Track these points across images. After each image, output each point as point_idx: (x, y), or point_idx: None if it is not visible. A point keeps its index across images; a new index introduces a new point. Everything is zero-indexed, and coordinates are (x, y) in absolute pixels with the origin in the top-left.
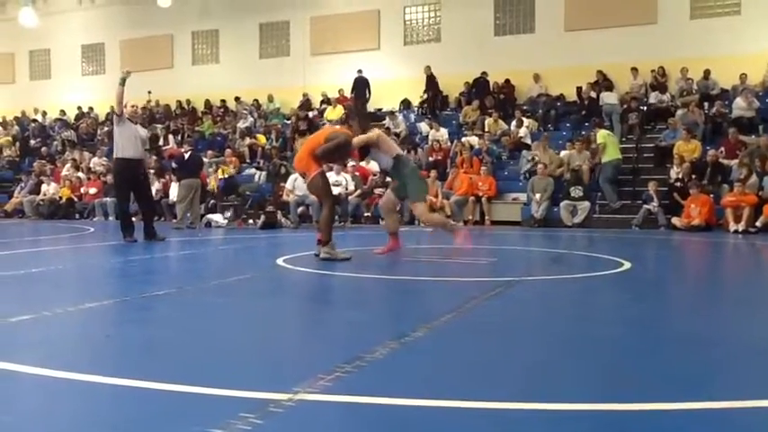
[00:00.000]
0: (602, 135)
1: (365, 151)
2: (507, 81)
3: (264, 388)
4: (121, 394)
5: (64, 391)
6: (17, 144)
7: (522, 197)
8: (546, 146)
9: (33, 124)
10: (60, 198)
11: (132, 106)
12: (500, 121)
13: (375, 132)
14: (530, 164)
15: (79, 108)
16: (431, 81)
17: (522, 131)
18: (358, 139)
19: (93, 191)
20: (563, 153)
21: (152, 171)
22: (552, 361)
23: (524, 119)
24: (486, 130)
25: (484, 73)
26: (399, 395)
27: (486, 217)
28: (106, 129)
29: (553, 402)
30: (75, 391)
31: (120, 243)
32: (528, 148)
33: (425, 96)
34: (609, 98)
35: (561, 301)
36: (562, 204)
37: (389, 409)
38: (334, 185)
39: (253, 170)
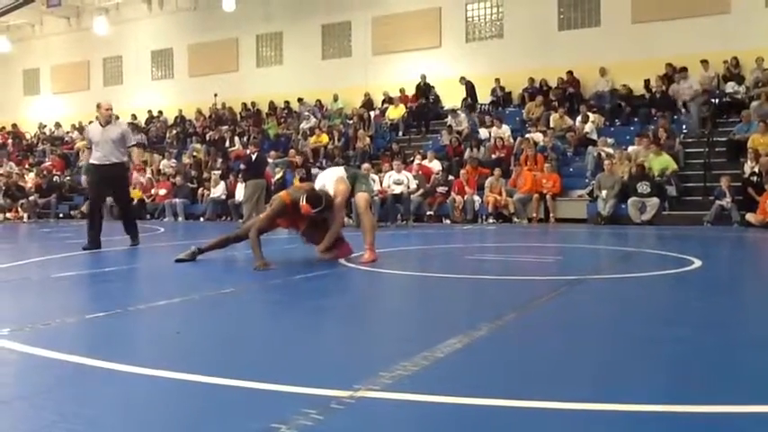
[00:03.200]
0: (660, 162)
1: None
2: (572, 75)
3: (326, 385)
4: (189, 389)
5: (136, 386)
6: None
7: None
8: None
9: None
10: (132, 199)
11: (107, 109)
12: (565, 117)
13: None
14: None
15: (149, 112)
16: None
17: (588, 127)
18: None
19: (162, 192)
20: (630, 149)
21: (216, 172)
22: (619, 361)
23: (590, 114)
24: (551, 126)
25: (543, 81)
26: (461, 394)
27: (551, 215)
28: (175, 132)
29: (620, 403)
30: (147, 386)
31: (186, 243)
32: (594, 143)
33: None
34: (686, 89)
35: (628, 301)
36: (630, 201)
37: (451, 407)
38: (396, 184)
39: (316, 170)
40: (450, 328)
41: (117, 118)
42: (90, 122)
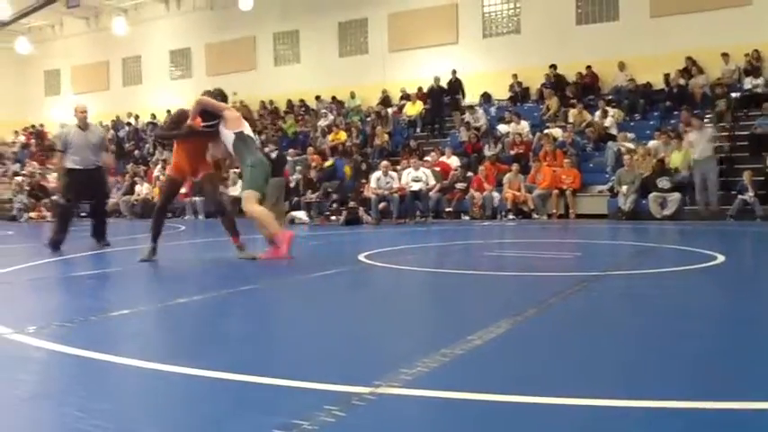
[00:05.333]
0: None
1: (210, 125)
2: (590, 70)
3: (348, 381)
4: (211, 385)
5: (158, 382)
6: (113, 147)
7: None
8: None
9: (127, 128)
10: (152, 198)
11: (82, 112)
12: (584, 112)
13: (222, 104)
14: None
15: (168, 111)
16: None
17: (608, 122)
18: (198, 101)
19: (183, 191)
20: (650, 143)
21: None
22: (640, 357)
23: (609, 109)
24: (570, 121)
25: (553, 66)
26: (481, 390)
27: (571, 210)
28: None
29: (643, 399)
30: (169, 382)
31: (208, 240)
32: (613, 138)
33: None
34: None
35: (649, 296)
36: (651, 196)
37: (471, 403)
38: (415, 181)
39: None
40: (469, 324)
41: (137, 118)
42: (62, 126)
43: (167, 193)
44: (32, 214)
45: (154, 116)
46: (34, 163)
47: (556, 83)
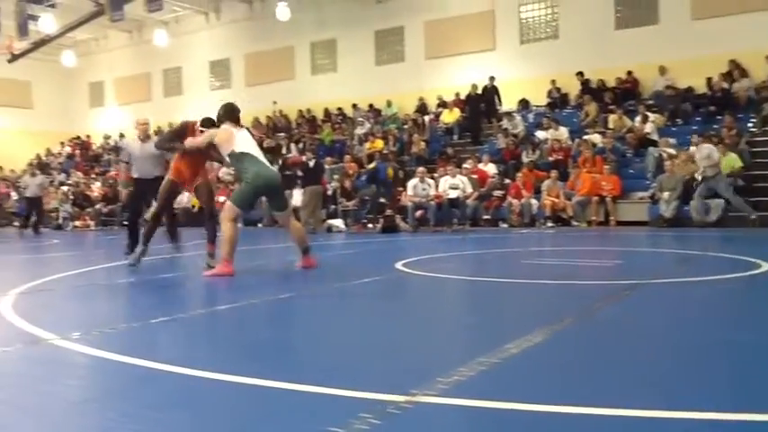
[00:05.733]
0: (725, 161)
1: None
2: (631, 75)
3: (383, 389)
4: (249, 392)
5: (198, 388)
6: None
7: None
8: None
9: None
10: (193, 207)
11: (143, 124)
12: (624, 118)
13: (205, 135)
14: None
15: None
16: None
17: (648, 127)
18: (189, 144)
19: (221, 199)
20: (692, 149)
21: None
22: (680, 367)
23: (649, 114)
24: (610, 127)
25: (580, 73)
26: (518, 400)
27: (611, 217)
28: None
29: (682, 411)
30: (208, 388)
31: (248, 248)
32: (654, 144)
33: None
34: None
35: (691, 305)
36: (693, 203)
37: (506, 413)
38: (452, 188)
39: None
40: (506, 333)
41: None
42: (121, 137)
43: (166, 197)
44: (77, 223)
45: None
46: (79, 173)
47: (594, 88)
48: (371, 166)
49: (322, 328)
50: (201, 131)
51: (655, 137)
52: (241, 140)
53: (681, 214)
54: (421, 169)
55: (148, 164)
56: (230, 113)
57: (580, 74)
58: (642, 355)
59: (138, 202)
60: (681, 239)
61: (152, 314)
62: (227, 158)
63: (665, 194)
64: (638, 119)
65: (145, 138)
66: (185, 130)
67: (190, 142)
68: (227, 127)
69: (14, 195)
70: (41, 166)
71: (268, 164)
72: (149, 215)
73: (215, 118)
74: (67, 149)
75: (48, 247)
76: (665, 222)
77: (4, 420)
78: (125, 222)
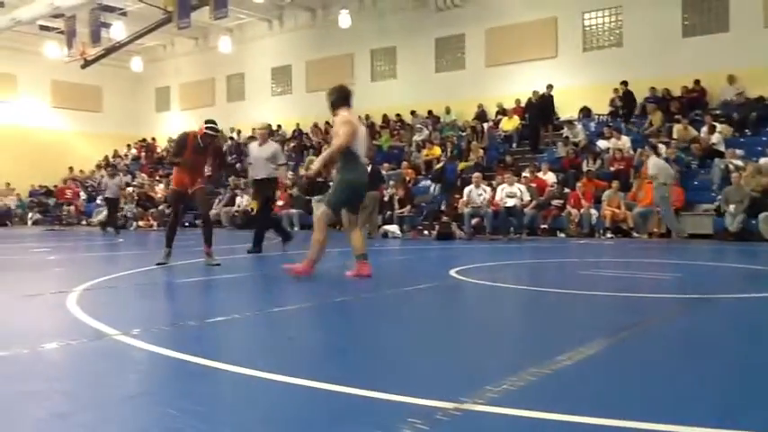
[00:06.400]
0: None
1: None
2: (698, 84)
3: (433, 396)
4: (300, 393)
5: (250, 387)
6: (217, 161)
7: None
8: None
9: (230, 142)
10: (252, 209)
11: (261, 129)
12: (689, 128)
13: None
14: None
15: (269, 126)
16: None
17: (715, 138)
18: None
19: (280, 203)
20: (762, 160)
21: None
22: (739, 385)
23: (716, 124)
24: (675, 137)
25: (624, 83)
26: (568, 411)
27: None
28: (292, 145)
29: (736, 430)
30: (259, 388)
31: (303, 252)
32: (721, 155)
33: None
34: None
35: (754, 322)
36: (761, 216)
37: (555, 424)
38: (509, 196)
39: (428, 182)
40: (560, 344)
41: (239, 132)
42: (250, 139)
43: (175, 206)
44: (141, 223)
45: (255, 131)
46: (144, 175)
47: (661, 97)
48: (439, 166)
49: (374, 332)
50: (207, 133)
51: (721, 148)
52: (360, 138)
53: (747, 228)
54: (477, 174)
55: (262, 165)
56: (346, 98)
57: (624, 83)
58: (697, 371)
59: (257, 199)
60: (746, 254)
61: (208, 313)
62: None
63: (731, 207)
64: (704, 129)
65: (263, 142)
66: (186, 140)
67: (338, 143)
68: (349, 117)
69: (83, 195)
70: (109, 168)
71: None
72: (168, 225)
73: (332, 101)
74: (133, 152)
75: (112, 245)
76: (731, 236)
77: (65, 410)
78: (260, 221)
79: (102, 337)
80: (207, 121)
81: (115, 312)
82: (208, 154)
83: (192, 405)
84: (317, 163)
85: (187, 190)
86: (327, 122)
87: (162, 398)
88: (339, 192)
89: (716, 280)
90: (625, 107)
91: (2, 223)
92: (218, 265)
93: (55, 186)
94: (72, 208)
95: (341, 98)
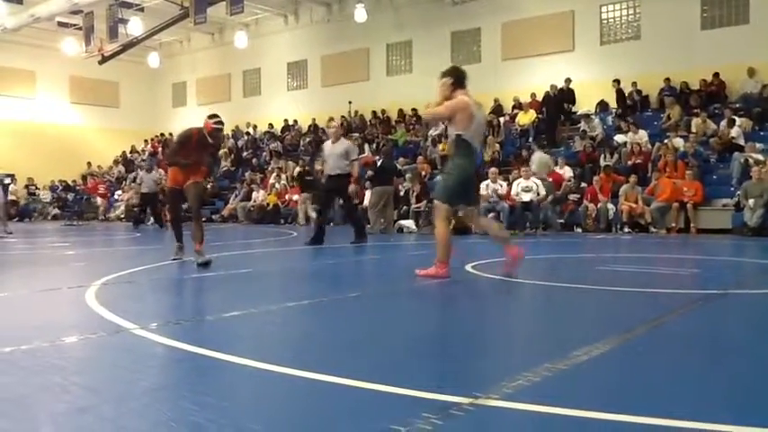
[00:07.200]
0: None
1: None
2: (717, 77)
3: (447, 390)
4: (316, 387)
5: (267, 382)
6: (232, 156)
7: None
8: None
9: (245, 137)
10: (268, 204)
11: (334, 127)
12: (708, 121)
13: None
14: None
15: (285, 121)
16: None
17: (734, 131)
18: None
19: (296, 198)
20: None
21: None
22: (755, 381)
23: (736, 118)
24: (693, 130)
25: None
26: (583, 407)
27: (692, 224)
28: (308, 139)
29: (751, 426)
30: (276, 382)
31: (319, 247)
32: (740, 149)
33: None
34: None
35: None
36: None
37: (571, 420)
38: (525, 191)
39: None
40: (576, 339)
41: (255, 128)
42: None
43: (173, 204)
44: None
45: (271, 125)
46: (161, 170)
47: (679, 90)
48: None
49: (389, 326)
50: (216, 128)
51: (741, 142)
52: (477, 126)
53: (767, 223)
54: (493, 170)
55: (334, 161)
56: (463, 79)
57: (617, 81)
58: (714, 368)
59: (327, 195)
60: (766, 249)
61: (225, 308)
62: (452, 137)
63: (751, 202)
64: (723, 123)
65: (335, 139)
66: (191, 138)
67: (433, 111)
68: (467, 101)
69: (101, 190)
70: (126, 163)
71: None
72: (172, 223)
73: (451, 82)
74: (150, 147)
75: (129, 240)
76: (750, 231)
77: (85, 403)
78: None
79: (120, 331)
80: (211, 116)
81: (133, 306)
82: (208, 150)
83: (211, 399)
84: (430, 110)
85: (182, 187)
86: (343, 117)
87: (181, 392)
88: (453, 184)
89: (734, 275)
90: (619, 104)
91: (21, 219)
92: (209, 263)
93: (74, 182)
94: (105, 202)
95: (459, 79)
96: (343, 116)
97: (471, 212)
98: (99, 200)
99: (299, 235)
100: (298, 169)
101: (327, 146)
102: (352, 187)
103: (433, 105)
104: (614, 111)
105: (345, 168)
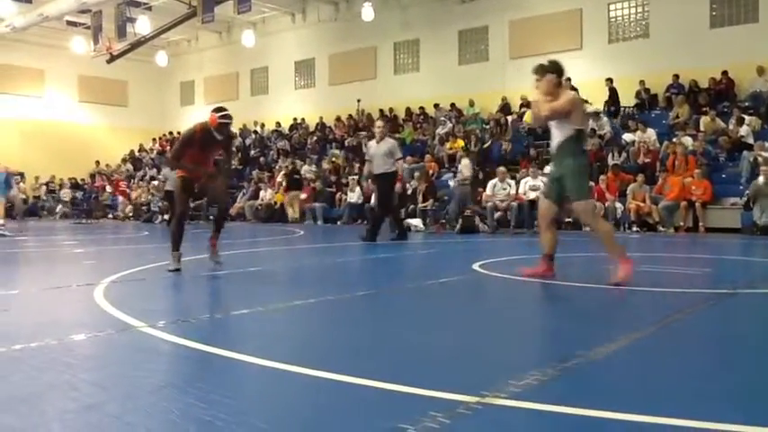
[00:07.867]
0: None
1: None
2: (726, 75)
3: (455, 389)
4: (324, 386)
5: (274, 379)
6: (239, 154)
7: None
8: None
9: (253, 136)
10: (275, 203)
11: (379, 127)
12: (717, 120)
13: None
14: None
15: (294, 119)
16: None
17: (743, 130)
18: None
19: (303, 196)
20: None
21: (354, 177)
22: (763, 382)
23: (745, 116)
24: (702, 129)
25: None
26: (591, 406)
27: (700, 223)
28: (315, 138)
29: (761, 426)
30: (284, 380)
31: (328, 245)
32: (749, 148)
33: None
34: None
35: None
36: None
37: (579, 419)
38: (532, 189)
39: (451, 175)
40: (584, 338)
41: (262, 126)
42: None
43: (182, 195)
44: (167, 216)
45: (279, 124)
46: (167, 169)
47: (688, 88)
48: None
49: (397, 325)
50: (222, 122)
51: (750, 140)
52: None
53: None
54: (501, 169)
55: (378, 161)
56: (563, 74)
57: (609, 80)
58: (724, 367)
59: (373, 192)
60: None
61: (233, 306)
62: (572, 133)
63: (760, 201)
64: (732, 121)
65: (379, 139)
66: (194, 136)
67: (552, 106)
68: (577, 98)
69: (109, 189)
70: (134, 161)
71: None
72: (175, 223)
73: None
74: (158, 146)
75: (138, 238)
76: (759, 230)
77: (93, 401)
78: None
79: (128, 329)
80: (216, 110)
81: (141, 304)
82: (218, 146)
83: (218, 397)
84: (549, 106)
85: (195, 178)
86: (350, 116)
87: (189, 389)
88: (581, 178)
89: (743, 274)
90: (612, 103)
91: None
92: (220, 263)
93: (82, 180)
94: (126, 200)
95: (560, 73)
96: (350, 114)
97: (583, 207)
98: (120, 198)
99: (306, 234)
100: (284, 170)
101: (372, 145)
102: (398, 185)
103: (542, 102)
104: (624, 109)
105: (391, 167)
